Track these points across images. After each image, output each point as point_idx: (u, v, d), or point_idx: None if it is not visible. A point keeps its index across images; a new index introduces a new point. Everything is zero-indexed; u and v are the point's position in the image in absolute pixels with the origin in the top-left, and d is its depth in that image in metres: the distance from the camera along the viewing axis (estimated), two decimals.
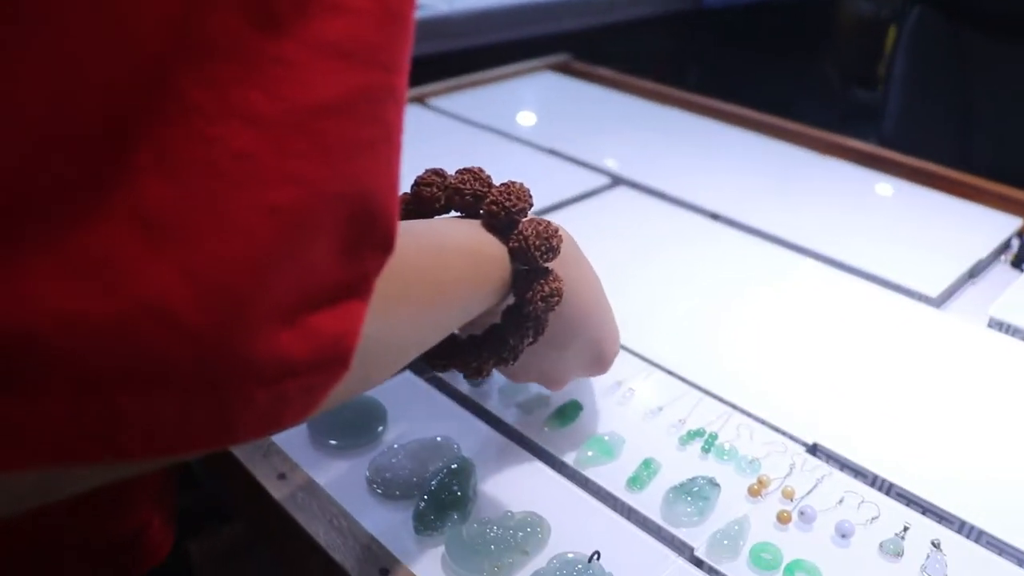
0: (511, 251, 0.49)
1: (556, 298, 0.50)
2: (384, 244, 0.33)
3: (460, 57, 1.83)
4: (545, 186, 1.01)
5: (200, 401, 0.27)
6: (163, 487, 0.56)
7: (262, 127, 0.27)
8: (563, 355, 0.58)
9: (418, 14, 1.73)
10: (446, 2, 1.87)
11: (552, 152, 1.11)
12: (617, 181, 1.04)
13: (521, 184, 0.52)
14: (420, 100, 1.26)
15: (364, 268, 0.32)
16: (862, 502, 0.58)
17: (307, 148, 0.28)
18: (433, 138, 1.14)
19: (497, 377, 0.69)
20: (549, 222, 0.51)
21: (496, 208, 0.50)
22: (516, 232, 0.49)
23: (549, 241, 0.49)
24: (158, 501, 0.55)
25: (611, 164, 1.07)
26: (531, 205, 0.51)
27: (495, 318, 0.51)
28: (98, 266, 0.25)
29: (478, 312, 0.48)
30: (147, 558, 0.54)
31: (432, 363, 0.52)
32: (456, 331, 0.51)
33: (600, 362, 0.60)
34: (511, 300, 0.50)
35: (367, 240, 0.32)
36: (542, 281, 0.49)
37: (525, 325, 0.50)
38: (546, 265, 0.50)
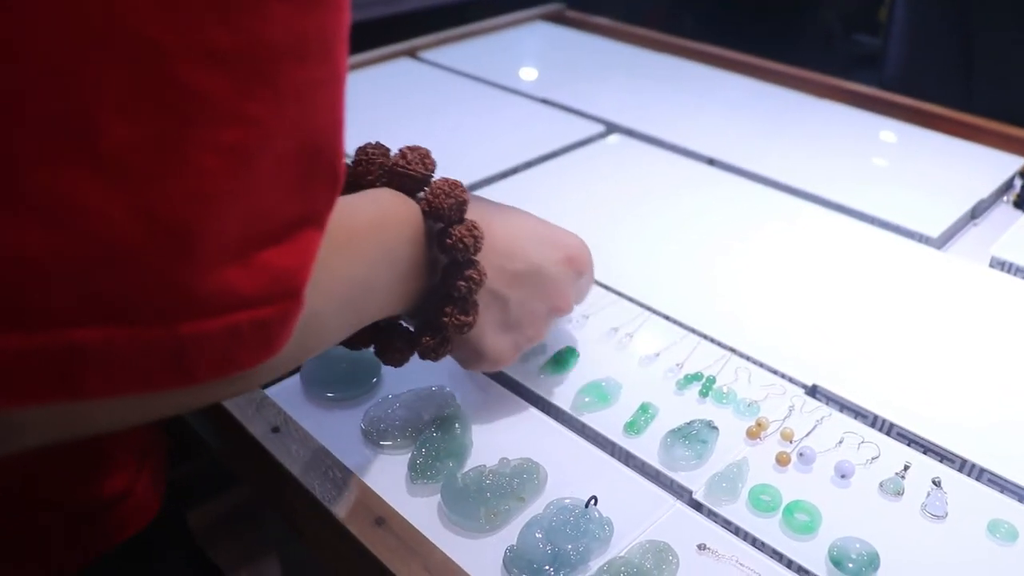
0: (424, 212, 0.49)
1: (477, 236, 0.49)
2: (332, 180, 0.33)
3: (453, 11, 1.80)
4: (539, 135, 0.99)
5: (154, 336, 0.28)
6: (148, 450, 0.56)
7: (219, 66, 0.27)
8: (521, 293, 0.55)
9: None
10: None
11: (545, 102, 1.10)
12: (612, 129, 1.02)
13: (425, 151, 0.51)
14: (411, 53, 1.24)
15: (314, 205, 0.33)
16: (862, 442, 0.58)
17: (262, 88, 0.28)
18: (424, 90, 1.12)
19: None
20: (454, 181, 0.50)
21: (400, 170, 0.50)
22: (424, 192, 0.50)
23: (455, 190, 0.49)
24: (142, 464, 0.55)
25: (605, 112, 1.06)
26: (432, 170, 0.51)
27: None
28: (50, 203, 0.25)
29: (405, 263, 0.48)
30: (131, 521, 0.54)
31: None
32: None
33: (573, 263, 0.58)
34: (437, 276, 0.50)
35: (316, 176, 0.32)
36: (459, 228, 0.49)
37: (459, 273, 0.49)
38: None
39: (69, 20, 0.24)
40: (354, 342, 0.52)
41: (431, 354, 0.52)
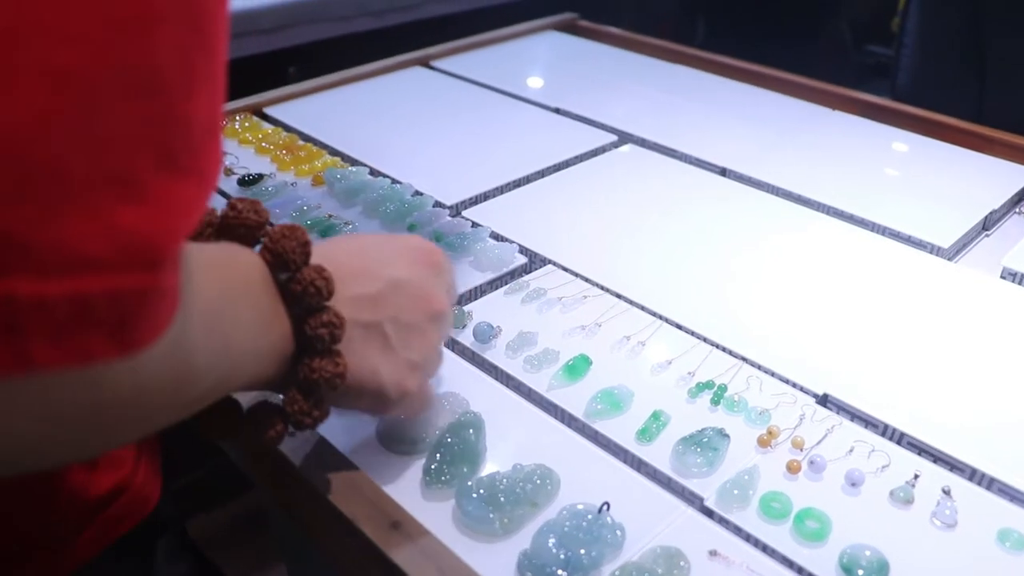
0: (267, 261, 0.45)
1: (327, 278, 0.46)
2: (188, 158, 0.30)
3: (466, 18, 1.81)
4: (551, 145, 1.00)
5: None
6: (143, 443, 0.56)
7: None
8: (389, 311, 0.51)
9: None
10: None
11: (558, 111, 1.10)
12: (624, 138, 1.03)
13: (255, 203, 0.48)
14: (424, 62, 1.25)
15: (180, 161, 0.29)
16: (872, 451, 0.58)
17: (97, 8, 0.26)
18: (437, 99, 1.13)
19: (506, 332, 0.68)
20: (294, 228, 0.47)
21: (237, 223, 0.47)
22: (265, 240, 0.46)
23: (295, 232, 0.46)
24: (139, 457, 0.55)
25: (618, 122, 1.06)
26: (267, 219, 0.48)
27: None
28: None
29: (265, 301, 0.44)
30: (130, 514, 0.54)
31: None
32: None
33: (424, 263, 0.54)
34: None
35: (170, 140, 0.29)
36: (306, 271, 0.45)
37: (316, 322, 0.45)
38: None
39: None
40: (223, 426, 0.49)
41: (307, 419, 0.48)
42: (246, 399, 0.51)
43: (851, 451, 0.58)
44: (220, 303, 0.40)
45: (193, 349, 0.36)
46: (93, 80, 0.26)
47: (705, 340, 0.69)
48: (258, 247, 0.46)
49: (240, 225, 0.46)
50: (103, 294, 0.27)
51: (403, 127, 1.05)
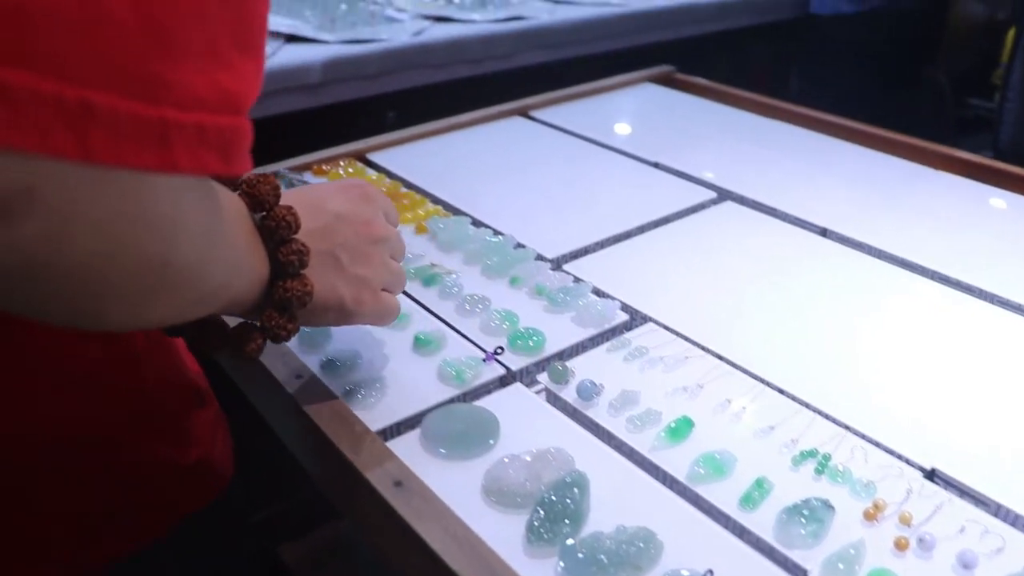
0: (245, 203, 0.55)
1: (296, 214, 0.55)
2: (253, 42, 0.40)
3: (562, 67, 1.84)
4: (651, 200, 1.01)
5: (146, 113, 0.34)
6: (215, 425, 0.72)
7: None
8: (338, 239, 0.60)
9: (520, 24, 1.75)
10: (547, 12, 1.88)
11: (657, 165, 1.11)
12: (723, 196, 1.03)
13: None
14: (523, 112, 1.28)
15: (246, 51, 0.40)
16: (985, 532, 0.57)
17: None
18: (535, 148, 1.15)
19: (608, 391, 0.69)
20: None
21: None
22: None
23: (268, 179, 0.56)
24: (214, 436, 0.69)
25: (717, 178, 1.07)
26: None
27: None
28: None
29: (248, 226, 0.54)
30: (212, 484, 0.68)
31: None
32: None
33: (361, 197, 0.63)
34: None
35: (243, 29, 0.39)
36: (278, 209, 0.55)
37: (287, 250, 0.55)
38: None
39: None
40: (210, 339, 0.59)
41: (283, 332, 0.57)
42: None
43: (962, 530, 0.57)
44: (224, 221, 0.49)
45: (218, 237, 0.47)
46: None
47: (808, 406, 0.68)
48: None
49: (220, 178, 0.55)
50: (213, 126, 0.37)
51: (503, 176, 1.07)
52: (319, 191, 0.63)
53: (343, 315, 0.62)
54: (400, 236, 0.67)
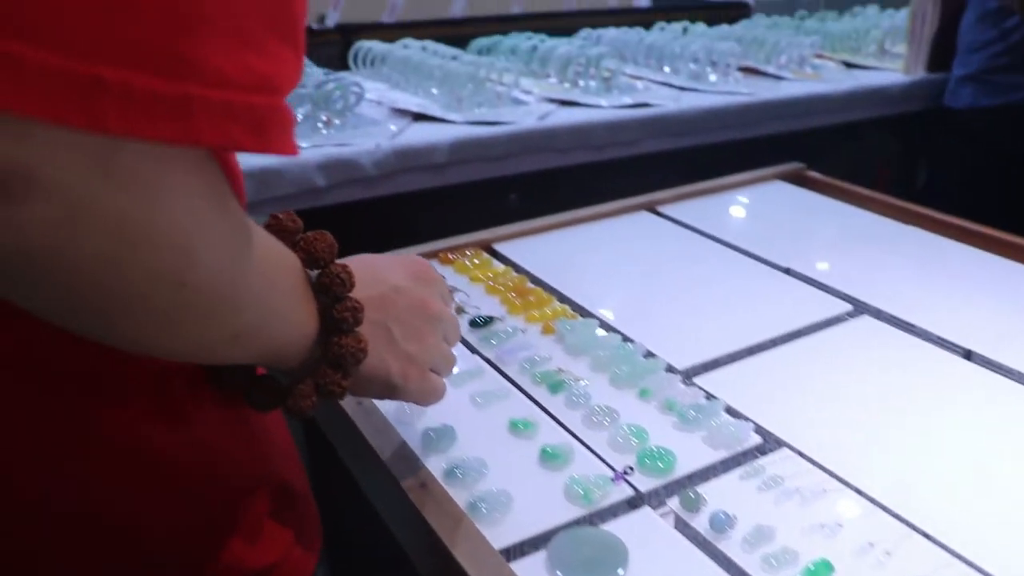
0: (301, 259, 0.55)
1: (351, 272, 0.55)
2: (290, 32, 0.41)
3: (686, 155, 1.83)
4: (784, 310, 0.98)
5: (165, 88, 0.34)
6: (304, 521, 0.65)
7: None
8: (394, 312, 0.61)
9: (646, 112, 1.75)
10: (673, 99, 1.88)
11: (788, 271, 1.08)
12: (860, 308, 1.00)
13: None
14: (650, 207, 1.27)
15: (283, 40, 0.40)
16: None
17: None
18: (663, 246, 1.14)
19: (741, 523, 0.66)
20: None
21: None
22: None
23: (325, 236, 0.56)
24: (298, 536, 0.62)
25: (852, 288, 1.03)
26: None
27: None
28: None
29: (300, 279, 0.54)
30: None
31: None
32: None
33: (418, 275, 0.64)
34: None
35: (280, 18, 0.40)
36: (333, 266, 0.55)
37: (341, 307, 0.55)
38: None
39: None
40: (264, 394, 0.58)
41: (336, 387, 0.56)
42: None
43: None
44: (269, 261, 0.50)
45: (249, 269, 0.45)
46: None
47: (960, 558, 0.64)
48: None
49: (282, 230, 0.56)
50: (242, 102, 0.37)
51: (631, 275, 1.05)
52: (378, 261, 0.64)
53: (387, 389, 0.62)
54: (455, 318, 0.68)
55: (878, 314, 0.99)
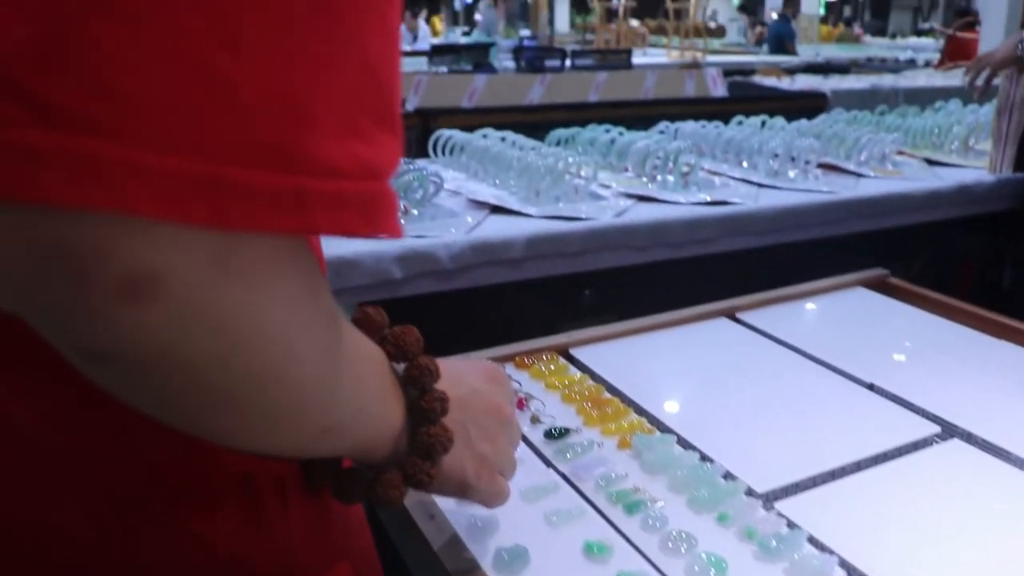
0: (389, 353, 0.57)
1: (437, 365, 0.58)
2: (389, 119, 0.42)
3: (766, 254, 1.82)
4: (868, 430, 0.95)
5: (281, 182, 0.36)
6: None
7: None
8: (471, 413, 0.62)
9: (724, 210, 1.74)
10: (752, 197, 1.87)
11: (872, 388, 1.05)
12: (949, 431, 0.96)
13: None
14: (729, 313, 1.25)
15: (384, 125, 0.41)
16: None
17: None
18: (742, 357, 1.12)
19: None
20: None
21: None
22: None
23: (412, 331, 0.58)
24: None
25: (940, 408, 0.99)
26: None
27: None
28: (198, 66, 0.34)
29: (387, 372, 0.56)
30: None
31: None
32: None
33: (495, 379, 0.67)
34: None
35: (381, 108, 0.41)
36: (421, 358, 0.57)
37: (430, 397, 0.57)
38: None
39: None
40: (351, 487, 0.59)
41: (425, 477, 0.57)
42: None
43: None
44: (359, 356, 0.51)
45: (341, 364, 0.46)
46: (343, 68, 0.38)
47: None
48: None
49: (369, 324, 0.58)
50: (352, 191, 0.39)
51: (709, 387, 1.04)
52: (456, 364, 0.65)
53: (461, 488, 0.63)
54: (519, 425, 0.70)
55: (969, 438, 0.95)
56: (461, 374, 0.64)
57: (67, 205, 0.32)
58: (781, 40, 9.18)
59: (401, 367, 0.58)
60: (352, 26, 0.39)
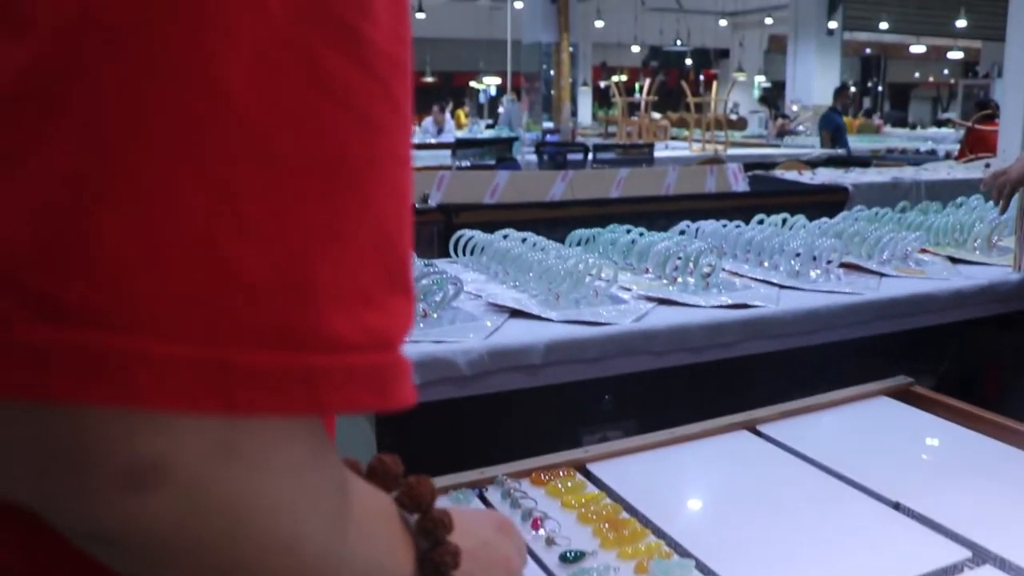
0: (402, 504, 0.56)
1: (450, 518, 0.56)
2: (402, 282, 0.41)
3: (788, 357, 1.80)
4: (895, 554, 0.92)
5: (290, 361, 0.35)
6: None
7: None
8: (480, 564, 0.60)
9: (745, 313, 1.73)
10: (773, 299, 1.86)
11: (898, 507, 1.02)
12: (980, 555, 0.93)
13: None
14: (750, 426, 1.23)
15: (396, 291, 0.40)
16: None
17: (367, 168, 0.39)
18: (763, 473, 1.10)
19: None
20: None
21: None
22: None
23: (427, 482, 0.56)
24: None
25: (970, 530, 0.96)
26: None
27: None
28: (201, 250, 0.33)
29: (399, 526, 0.54)
30: None
31: None
32: None
33: (505, 531, 0.65)
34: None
35: (394, 272, 0.40)
36: (435, 511, 0.56)
37: (442, 550, 0.55)
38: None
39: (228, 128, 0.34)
40: None
41: None
42: None
43: None
44: (368, 513, 0.49)
45: (349, 527, 0.45)
46: (355, 237, 0.38)
47: None
48: None
49: (386, 474, 0.57)
50: (362, 365, 0.38)
51: (729, 507, 1.01)
52: (466, 514, 0.64)
53: None
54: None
55: (1003, 564, 0.91)
56: (471, 524, 0.63)
57: (73, 403, 0.32)
58: (838, 131, 9.08)
59: (414, 517, 0.56)
60: (365, 194, 0.39)
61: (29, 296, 0.32)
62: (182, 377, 0.33)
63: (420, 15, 13.32)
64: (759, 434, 1.22)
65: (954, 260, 2.40)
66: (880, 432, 1.24)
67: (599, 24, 16.47)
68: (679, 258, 2.01)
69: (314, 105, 0.36)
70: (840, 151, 8.31)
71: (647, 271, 2.09)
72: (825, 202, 4.14)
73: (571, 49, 11.75)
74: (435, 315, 1.72)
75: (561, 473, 1.08)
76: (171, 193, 0.33)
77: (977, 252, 2.49)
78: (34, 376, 0.31)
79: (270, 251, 0.35)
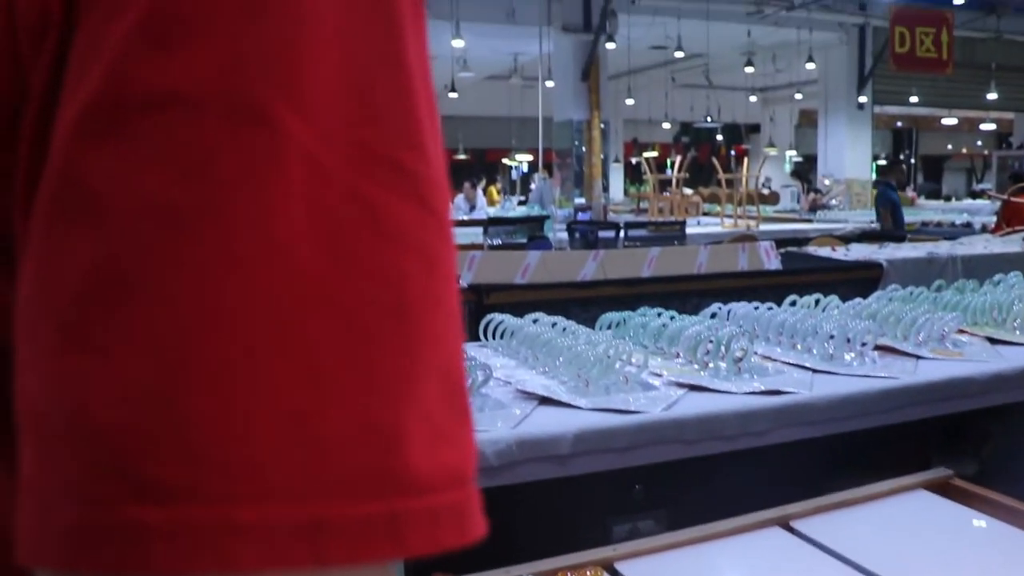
0: None
1: None
2: (463, 409, 0.40)
3: (822, 445, 1.76)
4: None
5: (375, 510, 0.34)
6: None
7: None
8: None
9: (778, 400, 1.70)
10: (806, 385, 1.83)
11: None
12: None
13: None
14: (783, 522, 1.20)
15: (463, 424, 0.39)
16: None
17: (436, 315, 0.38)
18: (796, 571, 1.06)
19: None
20: None
21: None
22: None
23: None
24: None
25: None
26: None
27: None
28: (281, 412, 0.34)
29: None
30: None
31: None
32: None
33: None
34: None
35: (457, 402, 0.39)
36: None
37: None
38: None
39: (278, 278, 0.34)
40: None
41: None
42: None
43: None
44: None
45: None
46: (424, 374, 0.37)
47: None
48: None
49: None
50: (444, 506, 0.37)
51: None
52: None
53: None
54: None
55: None
56: None
57: (174, 574, 0.33)
58: (896, 209, 9.05)
59: None
60: (430, 328, 0.39)
61: (128, 479, 0.33)
62: (276, 538, 0.33)
63: (453, 95, 13.56)
64: (792, 530, 1.18)
65: (993, 341, 2.36)
66: (919, 530, 1.20)
67: (630, 102, 16.68)
68: (710, 342, 1.99)
69: (378, 252, 0.37)
70: (888, 228, 8.24)
71: (678, 355, 2.07)
72: (859, 279, 4.11)
73: (602, 126, 11.88)
74: None
75: (588, 573, 1.05)
76: (256, 363, 0.34)
77: (1017, 332, 2.45)
78: (136, 552, 0.32)
79: (351, 403, 0.35)
